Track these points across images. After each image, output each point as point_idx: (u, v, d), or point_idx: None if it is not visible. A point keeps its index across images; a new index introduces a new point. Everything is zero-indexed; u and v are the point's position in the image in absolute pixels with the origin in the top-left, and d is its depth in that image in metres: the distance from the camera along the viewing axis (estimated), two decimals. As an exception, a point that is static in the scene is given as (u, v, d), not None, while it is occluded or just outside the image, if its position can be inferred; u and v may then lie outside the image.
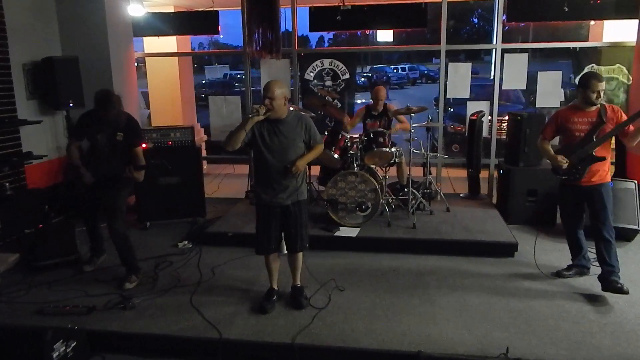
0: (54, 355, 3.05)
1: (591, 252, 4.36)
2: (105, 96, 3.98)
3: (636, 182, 5.10)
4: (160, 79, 8.93)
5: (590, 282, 4.08)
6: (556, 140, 4.18)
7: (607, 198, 3.85)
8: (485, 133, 6.42)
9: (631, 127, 3.75)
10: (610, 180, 3.94)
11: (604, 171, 3.88)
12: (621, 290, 3.69)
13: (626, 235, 4.96)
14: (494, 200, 6.24)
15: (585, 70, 6.27)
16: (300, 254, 3.81)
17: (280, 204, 3.59)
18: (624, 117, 3.76)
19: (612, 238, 3.84)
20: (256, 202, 3.74)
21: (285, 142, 3.50)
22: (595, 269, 4.22)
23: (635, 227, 4.94)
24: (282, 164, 3.51)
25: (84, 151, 4.27)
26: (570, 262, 4.30)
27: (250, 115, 3.37)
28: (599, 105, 3.81)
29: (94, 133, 4.11)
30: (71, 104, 5.61)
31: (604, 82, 3.78)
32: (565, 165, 3.89)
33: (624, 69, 6.07)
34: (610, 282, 3.77)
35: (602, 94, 3.77)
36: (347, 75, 6.79)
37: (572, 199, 4.09)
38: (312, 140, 3.61)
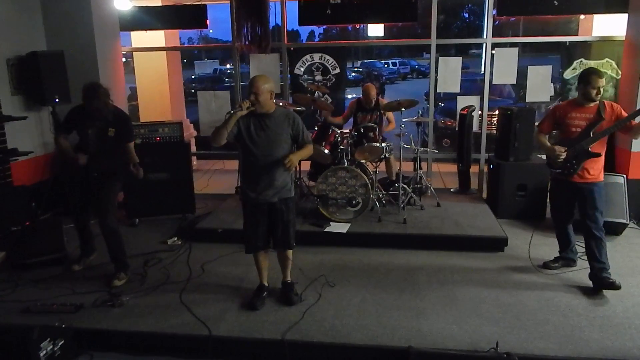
0: (41, 354, 3.03)
1: (579, 246, 4.39)
2: (90, 88, 3.92)
3: (625, 176, 5.14)
4: (148, 74, 8.81)
5: (579, 276, 4.10)
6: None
7: (598, 198, 3.85)
8: (475, 128, 6.43)
9: (633, 122, 3.74)
10: (603, 179, 3.93)
11: (598, 169, 3.88)
12: (613, 286, 3.73)
13: (615, 229, 4.99)
14: (484, 195, 6.25)
15: (574, 64, 6.29)
16: (290, 251, 3.79)
17: (267, 201, 3.56)
18: (624, 114, 3.75)
19: (603, 236, 3.84)
20: (243, 200, 3.71)
21: (271, 136, 3.47)
22: (583, 263, 4.25)
23: (624, 221, 4.99)
24: (268, 159, 3.47)
25: (72, 144, 4.21)
26: (558, 255, 4.35)
27: (232, 112, 3.34)
28: (598, 101, 3.80)
29: (84, 128, 4.06)
30: (57, 100, 5.51)
31: (604, 79, 3.79)
32: (563, 156, 3.86)
33: (613, 63, 6.09)
34: (602, 278, 3.79)
35: (602, 90, 3.77)
36: (338, 70, 6.75)
37: (563, 194, 4.09)
38: (301, 139, 3.57)
